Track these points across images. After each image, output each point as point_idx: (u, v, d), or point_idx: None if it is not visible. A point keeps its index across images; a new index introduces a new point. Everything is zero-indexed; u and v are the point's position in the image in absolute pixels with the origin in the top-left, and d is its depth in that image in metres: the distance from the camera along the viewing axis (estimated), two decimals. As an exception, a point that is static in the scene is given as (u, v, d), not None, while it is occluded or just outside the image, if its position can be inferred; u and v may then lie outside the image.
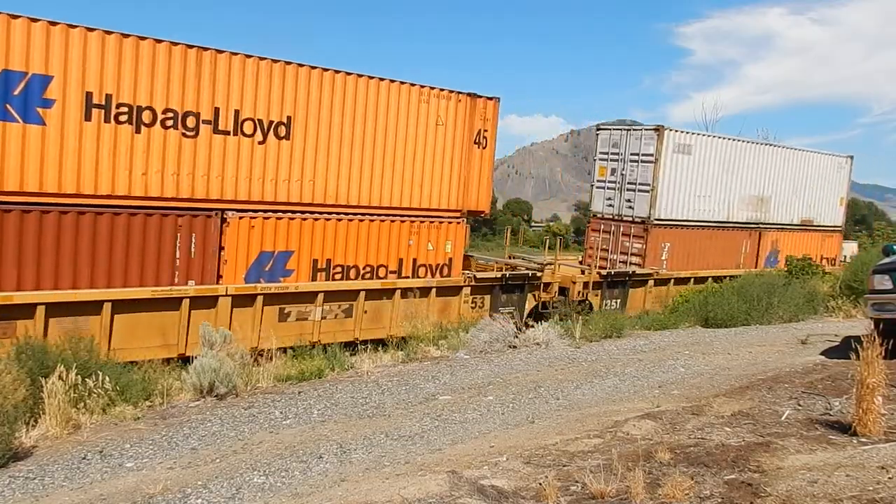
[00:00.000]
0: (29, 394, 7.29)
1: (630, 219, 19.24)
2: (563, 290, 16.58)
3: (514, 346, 12.04)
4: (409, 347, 11.69)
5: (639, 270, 18.49)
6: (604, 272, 17.67)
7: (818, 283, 18.93)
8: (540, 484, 5.11)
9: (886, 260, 10.41)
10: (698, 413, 7.19)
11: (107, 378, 7.90)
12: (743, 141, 21.08)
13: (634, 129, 19.54)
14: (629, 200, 19.23)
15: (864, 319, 11.55)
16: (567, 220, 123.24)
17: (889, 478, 4.82)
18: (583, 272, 17.70)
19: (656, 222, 18.81)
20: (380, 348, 12.48)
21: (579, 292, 16.75)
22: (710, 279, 19.19)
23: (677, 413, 7.23)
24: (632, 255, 19.05)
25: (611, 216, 19.84)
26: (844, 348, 9.96)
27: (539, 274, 16.09)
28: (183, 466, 6.55)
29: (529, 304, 16.00)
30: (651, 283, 18.64)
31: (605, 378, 9.86)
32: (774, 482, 4.90)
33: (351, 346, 12.36)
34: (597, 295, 17.31)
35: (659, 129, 18.76)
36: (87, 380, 7.75)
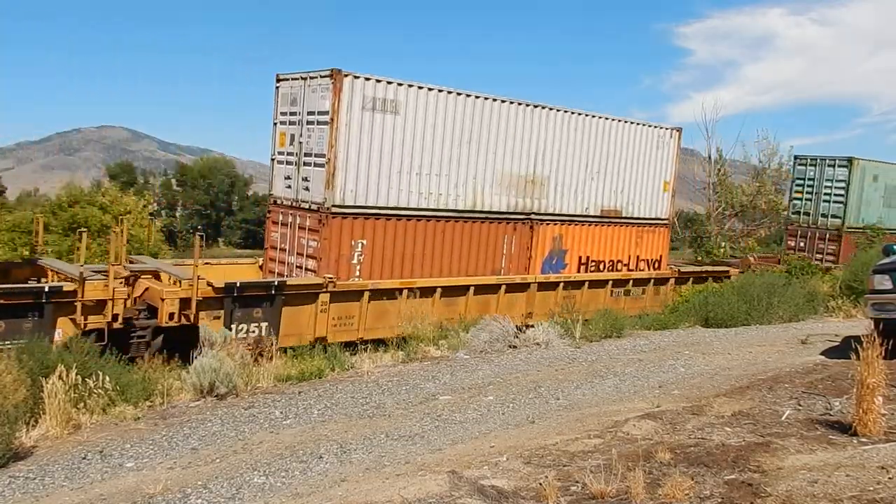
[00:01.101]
0: (29, 394, 7.31)
1: (307, 205, 13.65)
2: (154, 311, 11.56)
3: (515, 346, 12.04)
4: (410, 347, 11.69)
5: (296, 281, 12.90)
6: (222, 285, 11.77)
7: (818, 283, 18.94)
8: (540, 484, 5.11)
9: (886, 260, 10.41)
10: (698, 413, 7.19)
11: (107, 378, 7.90)
12: (495, 100, 14.97)
13: (311, 78, 13.65)
14: (306, 179, 13.75)
15: (864, 319, 11.55)
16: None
17: (889, 478, 4.82)
18: (180, 283, 11.59)
19: (336, 210, 13.11)
20: (380, 348, 12.49)
21: (173, 314, 11.17)
22: (439, 290, 14.07)
23: (677, 413, 7.23)
24: (308, 256, 13.61)
25: (289, 202, 14.23)
26: (844, 348, 9.96)
27: (69, 287, 10.70)
28: (183, 466, 6.55)
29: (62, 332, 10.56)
30: (325, 298, 12.71)
31: (606, 378, 9.87)
32: (774, 482, 4.90)
33: (351, 346, 12.37)
34: (217, 317, 11.64)
35: (335, 75, 12.90)
36: (87, 380, 7.76)
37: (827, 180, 27.09)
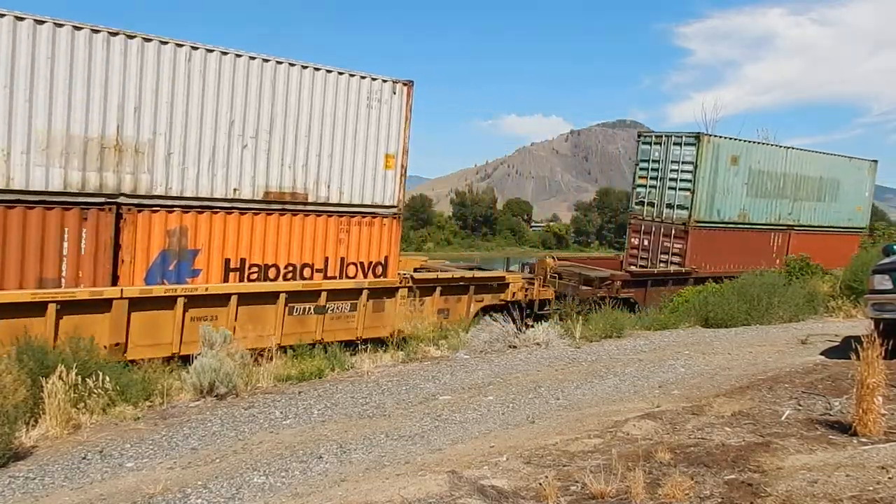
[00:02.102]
0: (29, 394, 7.30)
1: None
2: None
3: (515, 346, 12.05)
4: (410, 347, 11.69)
5: None
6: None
7: (818, 283, 18.92)
8: (540, 484, 5.11)
9: (886, 260, 10.40)
10: (698, 413, 7.19)
11: (107, 378, 7.90)
12: (39, 22, 9.92)
13: None
14: None
15: (864, 319, 11.55)
16: (567, 219, 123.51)
17: (889, 478, 4.82)
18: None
19: None
20: (380, 348, 12.49)
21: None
22: None
23: (677, 413, 7.23)
24: None
25: None
26: (844, 348, 9.96)
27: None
28: (183, 466, 6.55)
29: None
30: None
31: (605, 378, 9.87)
32: (774, 482, 4.90)
33: (351, 346, 12.36)
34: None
35: None
36: (87, 380, 7.75)
37: (673, 162, 21.58)
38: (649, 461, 5.51)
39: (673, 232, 21.65)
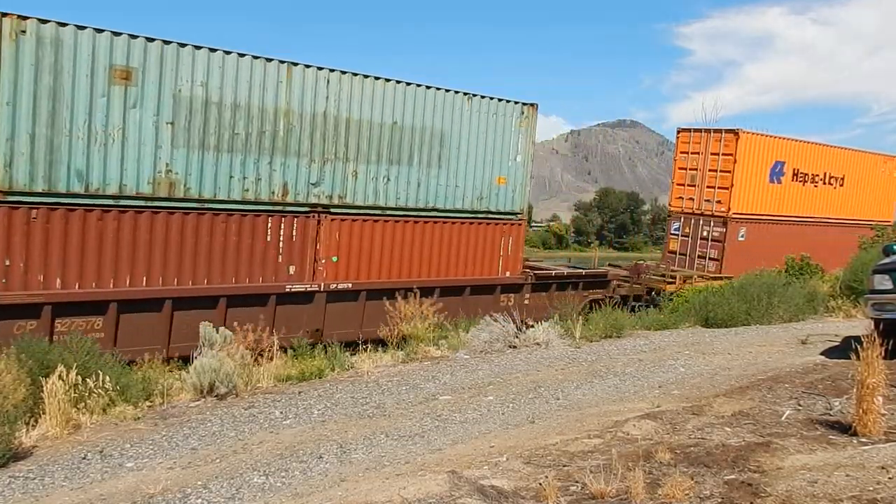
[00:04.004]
0: (29, 394, 7.31)
1: None
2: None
3: (515, 346, 12.04)
4: (410, 347, 11.69)
5: None
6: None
7: (818, 283, 18.91)
8: (540, 484, 5.11)
9: (886, 260, 10.40)
10: (698, 413, 7.19)
11: (107, 378, 7.90)
12: None
13: None
14: None
15: (864, 319, 11.55)
16: (567, 219, 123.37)
17: (889, 478, 4.82)
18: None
19: None
20: (380, 348, 12.49)
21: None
22: None
23: (677, 413, 7.23)
24: None
25: None
26: (844, 348, 9.96)
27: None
28: (183, 466, 6.55)
29: None
30: None
31: (606, 378, 9.86)
32: (774, 482, 4.90)
33: (351, 346, 12.36)
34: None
35: None
36: (87, 380, 7.75)
37: None
38: (649, 461, 5.51)
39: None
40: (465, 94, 15.90)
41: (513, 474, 5.49)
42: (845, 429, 6.12)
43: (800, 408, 7.21)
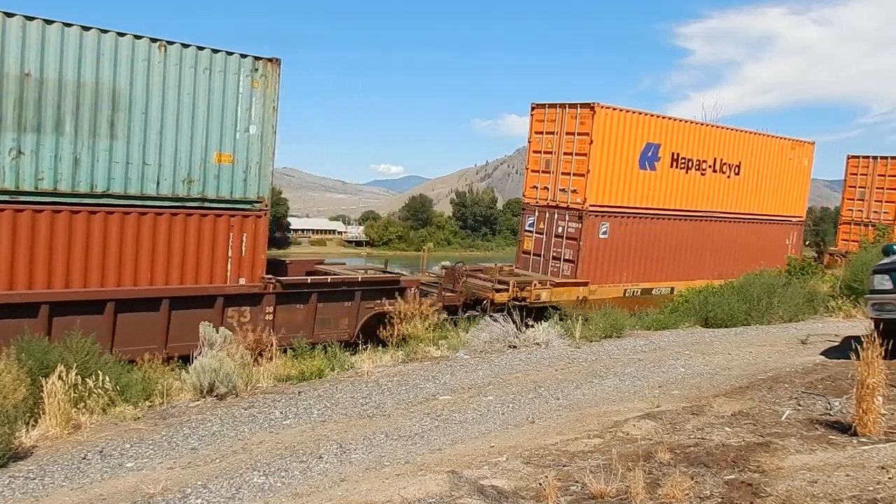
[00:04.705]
0: (29, 394, 7.30)
1: None
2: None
3: (514, 346, 12.04)
4: (409, 347, 11.69)
5: None
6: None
7: (818, 283, 18.91)
8: (540, 484, 5.11)
9: (886, 260, 10.40)
10: (698, 413, 7.20)
11: (107, 378, 7.90)
12: None
13: None
14: None
15: (864, 319, 11.55)
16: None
17: (889, 478, 4.82)
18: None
19: None
20: (380, 348, 12.49)
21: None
22: None
23: (677, 413, 7.24)
24: None
25: None
26: (844, 348, 9.96)
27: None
28: (183, 466, 6.55)
29: None
30: None
31: (605, 378, 9.86)
32: (774, 482, 4.90)
33: (351, 346, 12.36)
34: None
35: None
36: (87, 380, 7.75)
37: None
38: (649, 461, 5.51)
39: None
40: (154, 40, 11.63)
41: (513, 474, 5.49)
42: (845, 429, 6.12)
43: (800, 408, 7.21)
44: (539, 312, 16.91)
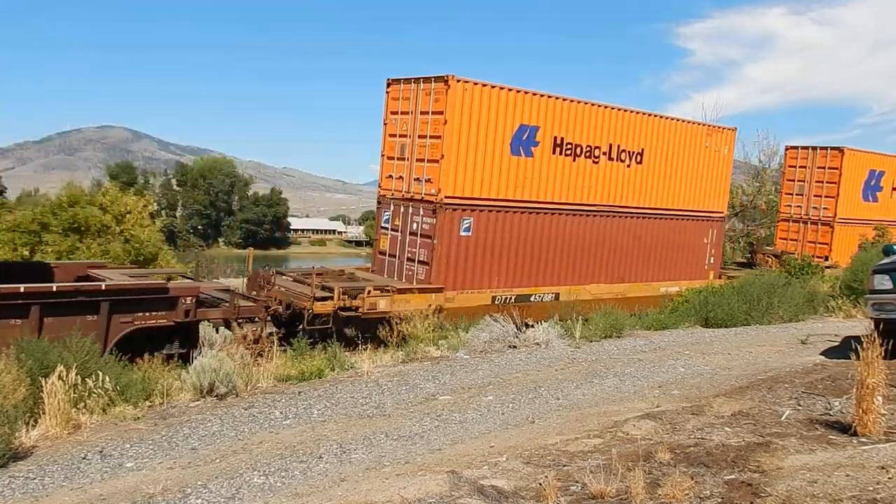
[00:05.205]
0: (29, 394, 7.30)
1: None
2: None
3: (514, 346, 12.05)
4: (409, 347, 11.69)
5: None
6: None
7: (818, 283, 18.90)
8: (540, 484, 5.11)
9: (886, 260, 10.41)
10: (698, 413, 7.20)
11: (107, 378, 7.90)
12: None
13: None
14: None
15: (864, 319, 11.55)
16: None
17: (889, 478, 4.82)
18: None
19: None
20: (380, 348, 12.49)
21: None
22: None
23: (677, 413, 7.24)
24: None
25: None
26: (844, 348, 9.96)
27: None
28: (183, 466, 6.55)
29: None
30: None
31: (605, 378, 9.87)
32: (774, 482, 4.90)
33: (351, 346, 12.36)
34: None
35: None
36: (87, 380, 7.75)
37: None
38: (649, 461, 5.51)
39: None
40: None
41: (513, 474, 5.49)
42: (845, 429, 6.12)
43: (800, 408, 7.21)
44: (379, 327, 13.61)
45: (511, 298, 16.81)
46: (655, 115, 20.08)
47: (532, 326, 13.14)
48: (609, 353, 11.78)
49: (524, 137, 16.92)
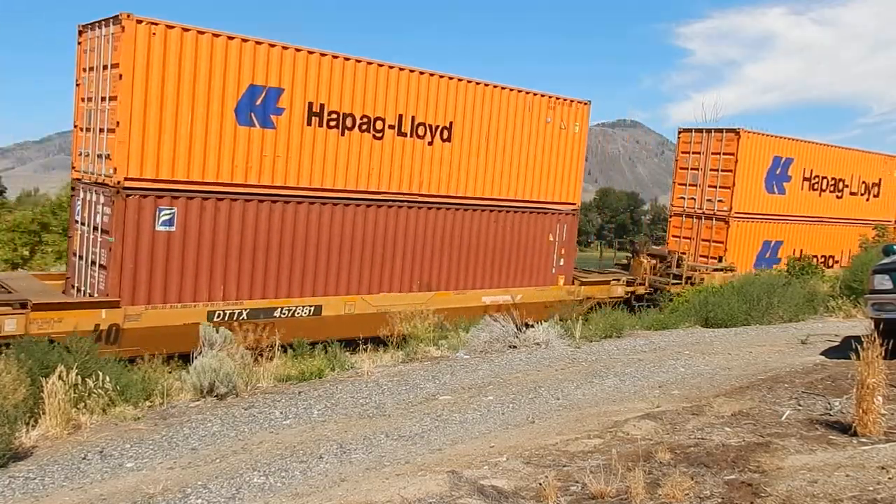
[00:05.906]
0: (29, 394, 7.30)
1: None
2: None
3: (515, 346, 12.04)
4: (409, 347, 11.69)
5: None
6: None
7: (818, 283, 18.91)
8: (540, 484, 5.11)
9: (886, 260, 10.41)
10: (698, 413, 7.20)
11: (107, 378, 7.90)
12: None
13: None
14: None
15: (864, 319, 11.55)
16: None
17: (889, 478, 4.82)
18: None
19: None
20: (380, 348, 12.49)
21: None
22: None
23: (677, 413, 7.24)
24: None
25: None
26: (844, 348, 9.96)
27: None
28: (183, 466, 6.55)
29: None
30: None
31: (605, 378, 9.87)
32: (774, 482, 4.90)
33: (351, 346, 12.37)
34: None
35: None
36: (87, 380, 7.75)
37: None
38: (649, 461, 5.51)
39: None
40: None
41: (513, 474, 5.49)
42: (845, 429, 6.12)
43: (800, 408, 7.21)
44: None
45: (241, 314, 13.32)
46: (470, 81, 16.43)
47: (532, 326, 13.07)
48: (609, 353, 11.78)
49: (257, 103, 13.29)
